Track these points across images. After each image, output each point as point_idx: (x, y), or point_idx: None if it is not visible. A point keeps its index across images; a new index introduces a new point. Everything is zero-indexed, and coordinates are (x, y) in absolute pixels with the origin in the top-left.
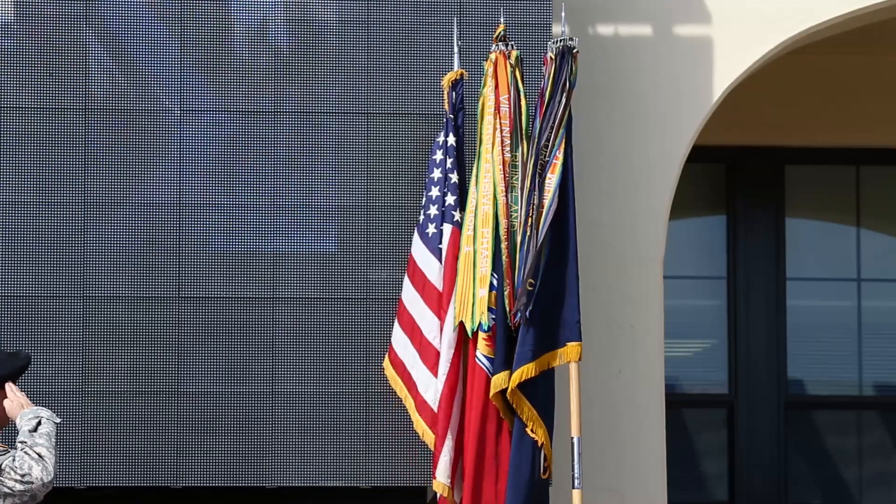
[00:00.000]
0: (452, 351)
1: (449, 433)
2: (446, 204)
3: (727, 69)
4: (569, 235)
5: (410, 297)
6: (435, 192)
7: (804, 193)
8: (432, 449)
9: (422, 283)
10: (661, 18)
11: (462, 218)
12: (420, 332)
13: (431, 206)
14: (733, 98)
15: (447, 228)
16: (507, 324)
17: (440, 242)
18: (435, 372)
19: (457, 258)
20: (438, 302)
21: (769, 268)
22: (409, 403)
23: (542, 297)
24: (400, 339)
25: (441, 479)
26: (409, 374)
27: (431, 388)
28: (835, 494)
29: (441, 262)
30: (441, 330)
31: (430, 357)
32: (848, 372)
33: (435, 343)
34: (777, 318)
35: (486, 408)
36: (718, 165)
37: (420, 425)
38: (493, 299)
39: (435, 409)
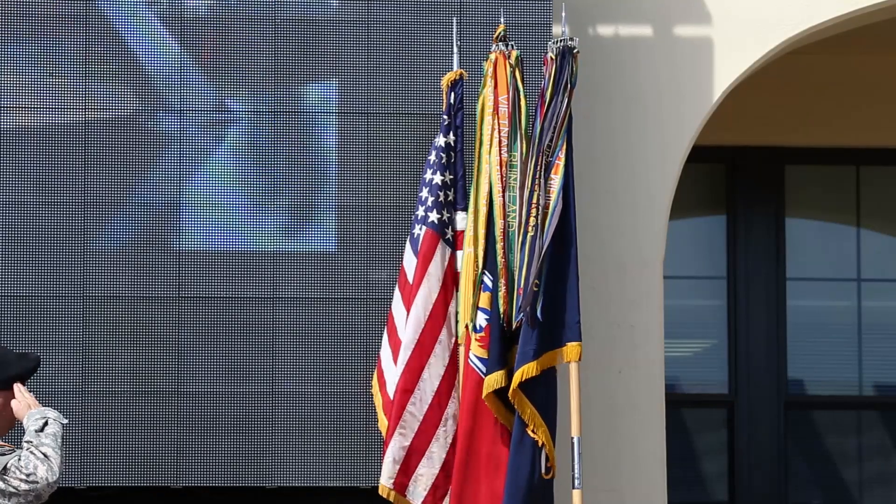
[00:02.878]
0: (410, 351)
1: (398, 434)
2: (427, 205)
3: (727, 69)
4: (570, 235)
5: (395, 299)
6: (424, 193)
7: (804, 193)
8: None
9: (403, 284)
10: (661, 18)
11: (439, 220)
12: (395, 332)
13: (420, 206)
14: (733, 98)
15: (423, 230)
16: (501, 324)
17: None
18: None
19: (427, 258)
20: (409, 299)
21: (769, 268)
22: (378, 402)
23: (545, 297)
24: (384, 343)
25: (382, 480)
26: (382, 374)
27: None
28: (835, 494)
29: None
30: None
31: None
32: (848, 372)
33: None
34: (777, 318)
35: (476, 409)
36: (718, 165)
37: (383, 424)
38: (486, 300)
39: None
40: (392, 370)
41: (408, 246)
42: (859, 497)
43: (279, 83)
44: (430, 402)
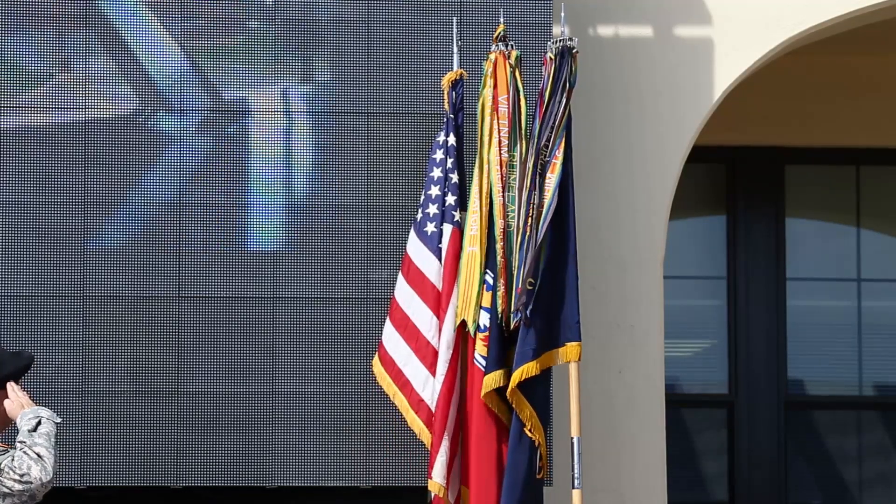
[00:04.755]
0: (451, 351)
1: (446, 433)
2: (446, 204)
3: (727, 69)
4: (568, 235)
5: (405, 294)
6: (435, 191)
7: (804, 193)
8: (429, 448)
9: (419, 282)
10: (661, 19)
11: (462, 218)
12: (416, 331)
13: (431, 204)
14: (733, 98)
15: (447, 228)
16: (500, 324)
17: (440, 242)
18: (433, 371)
19: (457, 258)
20: (437, 301)
21: (769, 268)
22: (400, 401)
23: (543, 297)
24: (391, 337)
25: (437, 479)
26: (399, 372)
27: (429, 387)
28: (835, 494)
29: (441, 262)
30: (440, 329)
31: (427, 356)
32: (848, 372)
33: (433, 342)
34: (777, 318)
35: (487, 408)
36: (718, 165)
37: (416, 424)
38: (488, 299)
39: (433, 409)
40: (415, 366)
41: (419, 243)
42: (859, 497)
43: (279, 82)
44: (458, 402)
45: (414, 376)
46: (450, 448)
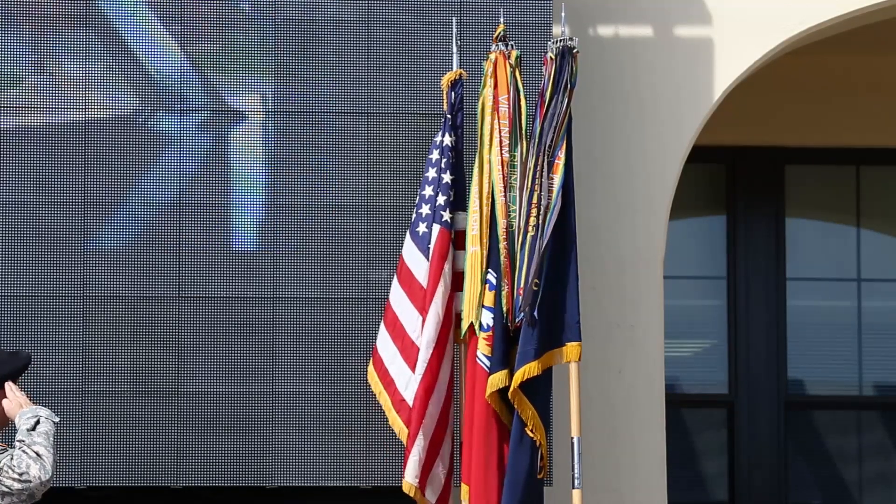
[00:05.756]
0: (431, 350)
1: (421, 433)
2: (437, 204)
3: (727, 69)
4: (570, 235)
5: (396, 295)
6: (429, 191)
7: (804, 193)
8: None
9: (408, 282)
10: (661, 19)
11: (451, 219)
12: (403, 330)
13: (424, 205)
14: (733, 98)
15: (436, 228)
16: (504, 323)
17: (430, 242)
18: (415, 371)
19: (443, 258)
20: (423, 300)
21: (769, 268)
22: (384, 400)
23: (545, 297)
24: (382, 337)
25: (409, 479)
26: (386, 371)
27: (411, 386)
28: (835, 494)
29: (429, 261)
30: (423, 328)
31: (411, 356)
32: (848, 372)
33: (418, 342)
34: (777, 318)
35: (489, 407)
36: (718, 165)
37: (397, 423)
38: (491, 298)
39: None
40: (399, 365)
41: (410, 243)
42: (859, 497)
43: (279, 82)
44: (443, 402)
45: (398, 375)
46: (427, 448)
